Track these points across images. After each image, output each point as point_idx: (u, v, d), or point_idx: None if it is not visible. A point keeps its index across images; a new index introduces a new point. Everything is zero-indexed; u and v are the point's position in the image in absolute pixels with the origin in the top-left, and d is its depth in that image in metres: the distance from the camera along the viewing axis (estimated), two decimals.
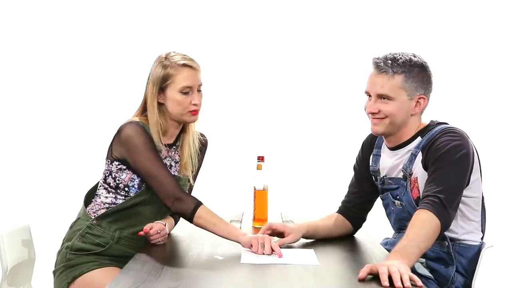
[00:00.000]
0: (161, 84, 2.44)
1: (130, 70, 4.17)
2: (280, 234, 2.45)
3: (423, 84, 2.36)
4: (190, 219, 2.38)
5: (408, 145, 2.40)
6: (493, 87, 4.23)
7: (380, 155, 2.53)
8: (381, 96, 2.36)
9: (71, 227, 2.52)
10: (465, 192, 2.29)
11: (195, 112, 2.47)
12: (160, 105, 2.47)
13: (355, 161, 2.66)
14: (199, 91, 2.48)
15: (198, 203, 2.38)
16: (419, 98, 2.36)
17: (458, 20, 4.22)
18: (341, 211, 2.65)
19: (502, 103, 4.23)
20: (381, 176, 2.50)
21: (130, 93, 4.01)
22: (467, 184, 2.30)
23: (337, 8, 4.25)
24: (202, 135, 2.68)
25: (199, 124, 2.63)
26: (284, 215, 2.81)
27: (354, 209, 2.63)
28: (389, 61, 2.34)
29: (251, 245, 2.27)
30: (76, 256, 2.44)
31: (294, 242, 2.47)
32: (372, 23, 4.24)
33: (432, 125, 2.40)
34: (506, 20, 4.22)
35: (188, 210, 2.37)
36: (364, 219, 2.68)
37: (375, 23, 4.24)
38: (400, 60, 2.34)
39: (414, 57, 2.37)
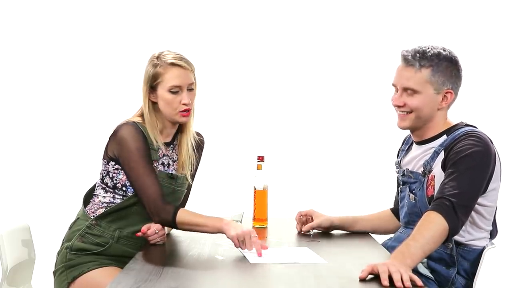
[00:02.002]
0: (152, 83, 2.46)
1: (130, 70, 4.17)
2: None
3: (451, 78, 2.35)
4: (174, 227, 2.39)
5: (433, 142, 2.39)
6: None
7: (406, 150, 2.54)
8: (407, 89, 2.36)
9: (70, 228, 2.52)
10: (480, 200, 2.26)
11: (185, 113, 2.46)
12: (154, 104, 2.48)
13: None
14: (191, 90, 2.47)
15: (175, 210, 2.36)
16: (446, 93, 2.35)
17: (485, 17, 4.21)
18: (392, 207, 2.72)
19: None
20: (403, 168, 2.50)
21: (129, 94, 4.01)
22: (484, 192, 2.27)
23: (337, 8, 4.25)
24: (198, 134, 2.68)
25: (199, 124, 2.63)
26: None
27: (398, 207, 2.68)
28: (417, 54, 2.34)
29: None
30: (76, 256, 2.44)
31: (320, 228, 2.68)
32: (372, 22, 4.24)
33: (460, 125, 2.38)
34: None
35: (169, 219, 2.36)
36: None
37: (375, 22, 4.24)
38: (428, 54, 2.34)
39: (444, 51, 2.36)
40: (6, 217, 4.02)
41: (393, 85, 2.41)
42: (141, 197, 2.40)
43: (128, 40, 4.23)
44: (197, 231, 2.39)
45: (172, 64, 2.44)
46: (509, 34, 4.19)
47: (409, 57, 2.35)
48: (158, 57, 2.46)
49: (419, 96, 2.34)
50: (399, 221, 2.64)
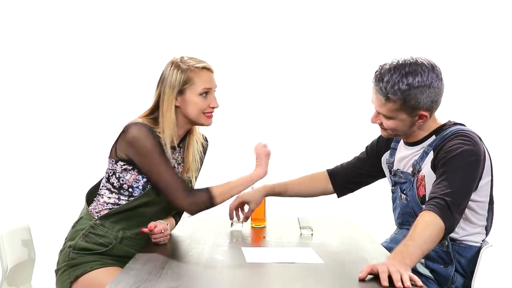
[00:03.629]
0: (181, 87, 2.46)
1: (131, 70, 4.18)
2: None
3: (425, 102, 2.28)
4: (213, 205, 2.44)
5: (423, 143, 2.39)
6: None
7: (396, 149, 2.54)
8: (380, 113, 2.35)
9: (73, 226, 2.52)
10: (471, 196, 2.26)
11: (210, 116, 2.52)
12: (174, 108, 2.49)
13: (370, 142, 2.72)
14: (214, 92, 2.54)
15: (208, 189, 2.43)
16: (420, 114, 2.31)
17: (474, 18, 4.22)
18: (331, 171, 2.78)
19: None
20: (394, 169, 2.51)
21: (131, 93, 4.03)
22: (475, 189, 2.28)
23: (337, 8, 4.25)
24: (203, 137, 2.69)
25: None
26: (301, 219, 2.75)
27: (342, 176, 2.74)
28: (385, 84, 2.27)
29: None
30: (79, 255, 2.44)
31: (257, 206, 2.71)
32: (371, 23, 4.24)
33: (448, 125, 2.38)
34: None
35: (206, 200, 2.42)
36: (350, 190, 2.77)
37: (375, 23, 4.24)
38: (396, 87, 2.25)
39: (416, 76, 2.25)
40: (6, 217, 4.02)
41: (371, 101, 2.39)
42: (167, 193, 2.42)
43: (131, 40, 4.23)
44: (236, 193, 2.50)
45: (203, 68, 2.49)
46: (497, 33, 4.21)
47: (377, 87, 2.30)
48: (182, 62, 2.48)
49: (392, 120, 2.33)
50: (333, 186, 2.74)
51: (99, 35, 4.24)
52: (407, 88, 2.25)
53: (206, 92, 2.48)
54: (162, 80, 2.50)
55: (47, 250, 3.04)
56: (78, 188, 2.88)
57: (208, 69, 2.50)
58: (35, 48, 4.25)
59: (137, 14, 4.25)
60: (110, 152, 2.50)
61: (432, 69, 2.28)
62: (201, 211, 2.45)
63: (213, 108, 2.51)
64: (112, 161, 2.49)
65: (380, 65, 2.33)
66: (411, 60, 2.29)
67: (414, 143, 2.42)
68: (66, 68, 4.25)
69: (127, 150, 2.43)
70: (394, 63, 2.30)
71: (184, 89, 2.47)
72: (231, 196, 2.48)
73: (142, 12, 4.25)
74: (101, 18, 4.25)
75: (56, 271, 2.49)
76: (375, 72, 2.33)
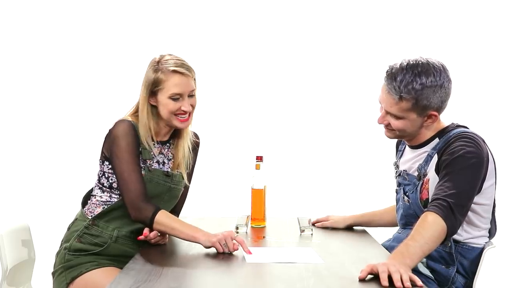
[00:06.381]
0: (152, 88, 2.45)
1: (134, 73, 4.16)
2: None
3: (436, 102, 2.29)
4: (150, 226, 2.37)
5: (427, 146, 2.40)
6: None
7: (402, 151, 2.55)
8: (389, 113, 2.35)
9: (69, 228, 2.53)
10: (475, 199, 2.26)
11: (184, 119, 2.47)
12: (153, 107, 2.48)
13: None
14: (191, 96, 2.47)
15: (156, 210, 2.35)
16: (430, 114, 2.32)
17: (478, 19, 4.22)
18: None
19: None
20: (400, 170, 2.51)
21: (131, 97, 4.02)
22: (479, 191, 2.28)
23: (336, 8, 4.25)
24: (195, 135, 2.68)
25: (197, 124, 2.63)
26: (301, 219, 2.73)
27: None
28: (398, 84, 2.27)
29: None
30: (75, 257, 2.44)
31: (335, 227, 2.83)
32: (372, 23, 4.24)
33: (451, 127, 2.38)
34: None
35: (147, 218, 2.35)
36: None
37: (375, 23, 4.24)
38: (410, 87, 2.26)
39: (430, 75, 2.27)
40: (6, 217, 4.02)
41: (379, 101, 2.40)
42: (122, 192, 2.40)
43: (129, 42, 4.22)
44: (171, 235, 2.40)
45: (174, 71, 2.43)
46: (502, 34, 4.20)
47: (390, 86, 2.30)
48: (159, 62, 2.45)
49: (402, 120, 2.34)
50: None
51: (94, 39, 4.23)
52: (421, 87, 2.27)
53: (177, 97, 2.44)
54: (144, 78, 2.49)
55: (47, 250, 3.04)
56: (78, 189, 2.87)
57: (180, 73, 2.43)
58: (37, 52, 4.24)
59: (130, 15, 4.24)
60: (100, 154, 2.51)
61: (443, 70, 2.31)
62: (141, 223, 2.40)
63: (184, 111, 2.45)
64: (100, 161, 2.50)
65: (390, 65, 2.34)
66: (423, 60, 2.30)
67: (418, 146, 2.43)
68: (70, 71, 4.24)
69: (108, 148, 2.44)
70: (405, 63, 2.31)
71: (156, 90, 2.45)
72: (168, 233, 2.39)
73: (135, 12, 4.24)
74: (92, 19, 4.23)
75: (53, 274, 2.49)
76: (386, 72, 2.33)
